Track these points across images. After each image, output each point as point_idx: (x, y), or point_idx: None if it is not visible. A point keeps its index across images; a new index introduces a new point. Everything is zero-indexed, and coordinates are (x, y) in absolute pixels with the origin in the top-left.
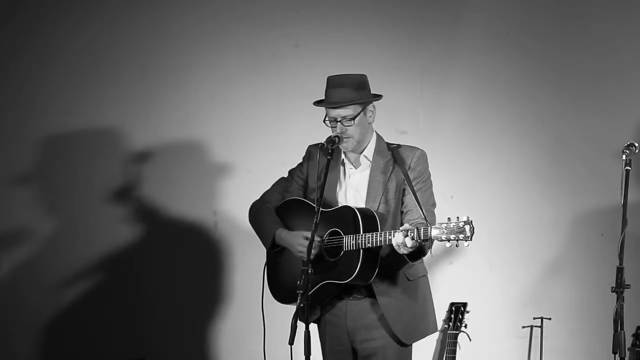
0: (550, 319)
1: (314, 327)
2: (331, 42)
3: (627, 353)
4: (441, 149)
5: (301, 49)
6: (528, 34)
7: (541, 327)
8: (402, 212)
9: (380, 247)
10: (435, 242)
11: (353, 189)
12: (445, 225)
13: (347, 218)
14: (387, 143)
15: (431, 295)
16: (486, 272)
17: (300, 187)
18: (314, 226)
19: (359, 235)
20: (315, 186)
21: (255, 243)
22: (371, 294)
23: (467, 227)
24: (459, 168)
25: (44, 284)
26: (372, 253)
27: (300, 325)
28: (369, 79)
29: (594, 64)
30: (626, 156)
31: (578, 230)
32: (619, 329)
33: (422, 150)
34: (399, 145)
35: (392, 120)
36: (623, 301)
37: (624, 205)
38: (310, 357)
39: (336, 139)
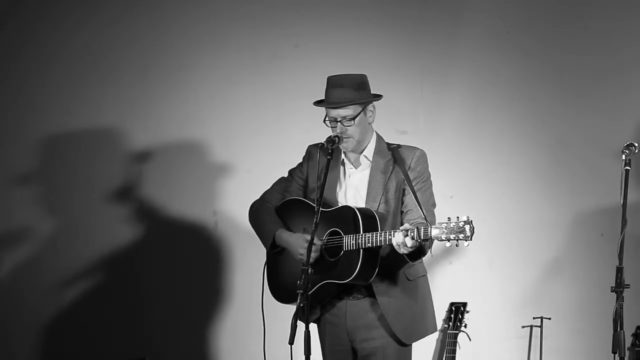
0: (550, 318)
1: (313, 327)
2: (331, 42)
3: (627, 353)
4: (441, 149)
5: (301, 49)
6: (528, 34)
7: (541, 326)
8: (402, 212)
9: (380, 246)
10: (435, 242)
11: (353, 188)
12: (445, 225)
13: (347, 218)
14: (387, 143)
15: (431, 295)
16: (486, 272)
17: (300, 187)
18: (313, 226)
19: (359, 235)
20: (315, 186)
21: (255, 243)
22: (371, 294)
23: (467, 227)
24: (459, 168)
25: (44, 284)
26: (372, 253)
27: (300, 325)
28: (369, 78)
29: (594, 64)
30: (626, 156)
31: (578, 230)
32: (618, 329)
33: (422, 150)
34: (399, 145)
35: (392, 120)
36: (623, 301)
37: (624, 205)
38: (310, 356)
39: (336, 139)
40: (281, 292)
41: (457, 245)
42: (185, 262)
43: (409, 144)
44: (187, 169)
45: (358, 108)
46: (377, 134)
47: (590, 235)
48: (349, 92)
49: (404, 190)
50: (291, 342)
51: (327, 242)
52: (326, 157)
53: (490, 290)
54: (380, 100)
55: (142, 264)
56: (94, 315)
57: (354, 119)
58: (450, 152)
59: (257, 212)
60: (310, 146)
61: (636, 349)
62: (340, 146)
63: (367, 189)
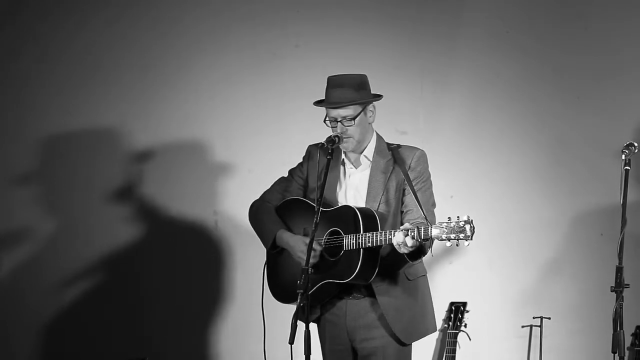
0: (549, 318)
1: (314, 327)
2: (331, 42)
3: (627, 352)
4: (441, 149)
5: (301, 49)
6: (528, 34)
7: (541, 326)
8: (402, 212)
9: (381, 246)
10: (436, 242)
11: (353, 188)
12: (445, 224)
13: (347, 218)
14: (387, 143)
15: (430, 295)
16: (486, 271)
17: (300, 186)
18: (313, 226)
19: (359, 235)
20: (315, 186)
21: (256, 243)
22: (371, 294)
23: (467, 227)
24: (459, 168)
25: (45, 283)
26: (372, 252)
27: (300, 325)
28: (369, 79)
29: (594, 64)
30: (625, 156)
31: (578, 230)
32: (618, 329)
33: (422, 150)
34: (399, 146)
35: (392, 120)
36: (622, 301)
37: (624, 205)
38: (310, 356)
39: (336, 138)
40: (281, 292)
41: (457, 245)
42: (186, 262)
43: (409, 144)
44: (187, 169)
45: (358, 108)
46: (377, 134)
47: (590, 235)
48: (349, 92)
49: (404, 190)
50: (291, 342)
51: (327, 241)
52: (326, 157)
53: (490, 290)
54: (380, 100)
55: (143, 264)
56: (94, 315)
57: (354, 119)
58: (450, 152)
59: (257, 212)
60: (310, 146)
61: (636, 348)
62: (341, 146)
63: (367, 188)
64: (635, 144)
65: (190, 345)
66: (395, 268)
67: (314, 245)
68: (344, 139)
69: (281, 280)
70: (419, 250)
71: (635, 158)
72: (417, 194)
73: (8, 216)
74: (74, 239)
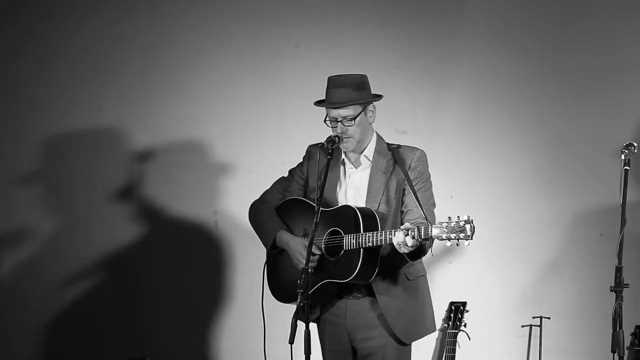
0: (549, 318)
1: (313, 327)
2: (331, 42)
3: (626, 352)
4: (441, 149)
5: (301, 49)
6: (528, 34)
7: (540, 326)
8: (402, 212)
9: (381, 246)
10: (436, 242)
11: (353, 188)
12: (445, 224)
13: (347, 217)
14: (387, 143)
15: (430, 295)
16: (486, 271)
17: (300, 186)
18: (313, 225)
19: (359, 235)
20: (315, 186)
21: (256, 243)
22: (371, 293)
23: (467, 226)
24: (459, 168)
25: (45, 283)
26: (372, 252)
27: (301, 325)
28: (369, 79)
29: (594, 64)
30: (625, 156)
31: (577, 230)
32: (617, 328)
33: (422, 150)
34: (399, 146)
35: (392, 120)
36: (622, 300)
37: (623, 204)
38: (310, 356)
39: (336, 138)
40: (281, 292)
41: (457, 245)
42: (186, 262)
43: (409, 144)
44: (188, 169)
45: (358, 108)
46: (377, 134)
47: (589, 234)
48: (349, 92)
49: (404, 190)
50: (291, 342)
51: (327, 241)
52: (326, 157)
53: (489, 290)
54: (380, 101)
55: (143, 264)
56: (94, 315)
57: (354, 119)
58: (450, 152)
59: (257, 212)
60: (310, 146)
61: (635, 348)
62: (341, 146)
63: (367, 188)
64: (635, 144)
65: (190, 344)
66: (396, 268)
67: (314, 249)
68: (344, 139)
69: (281, 279)
70: (419, 250)
71: (634, 158)
72: (417, 194)
73: (9, 216)
74: (74, 238)
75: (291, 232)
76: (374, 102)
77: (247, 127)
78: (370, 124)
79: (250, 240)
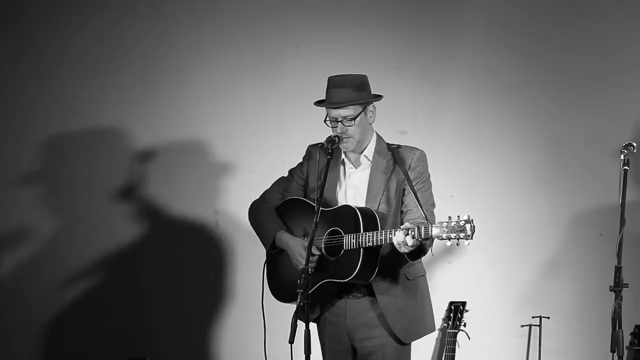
0: (549, 317)
1: (313, 326)
2: (332, 43)
3: (625, 352)
4: (441, 149)
5: (302, 50)
6: (528, 34)
7: (540, 326)
8: (401, 212)
9: (381, 246)
10: (435, 241)
11: (353, 188)
12: (446, 224)
13: (347, 217)
14: (387, 143)
15: (429, 295)
16: (485, 271)
17: (300, 186)
18: (313, 225)
19: (359, 234)
20: (315, 185)
21: (257, 242)
22: (371, 293)
23: (467, 226)
24: (458, 168)
25: (45, 283)
26: (372, 252)
27: (301, 324)
28: (369, 79)
29: (594, 64)
30: (624, 156)
31: (577, 230)
32: (617, 328)
33: (422, 150)
34: (399, 146)
35: (392, 120)
36: (621, 300)
37: (622, 204)
38: (310, 356)
39: (336, 138)
40: (281, 292)
41: (457, 244)
42: (187, 262)
43: (409, 144)
44: (188, 169)
45: (358, 108)
46: (377, 134)
47: (589, 234)
48: (349, 93)
49: (404, 190)
50: (291, 341)
51: (327, 241)
52: (326, 156)
53: (489, 290)
54: (380, 101)
55: (144, 264)
56: (95, 315)
57: (354, 119)
58: (450, 152)
59: (257, 212)
60: (310, 146)
61: (635, 347)
62: (341, 146)
63: (367, 188)
64: (634, 144)
65: (191, 344)
66: (395, 268)
67: (313, 249)
68: (344, 139)
69: (281, 279)
70: (419, 250)
71: (634, 158)
72: (417, 194)
73: (9, 216)
74: (74, 238)
75: (291, 232)
76: (374, 102)
77: (248, 127)
78: (370, 124)
79: (251, 240)
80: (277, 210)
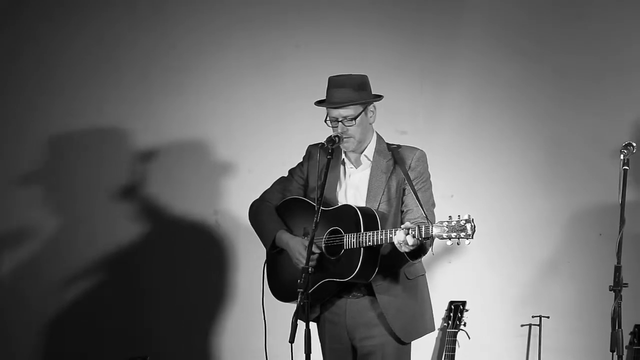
0: (548, 317)
1: (314, 326)
2: (331, 43)
3: (625, 351)
4: (441, 149)
5: (302, 50)
6: (528, 34)
7: (540, 325)
8: (402, 212)
9: (381, 245)
10: (436, 241)
11: (353, 188)
12: (446, 223)
13: (347, 217)
14: (387, 143)
15: (429, 295)
16: (485, 271)
17: (300, 186)
18: (314, 225)
19: (360, 234)
20: (315, 185)
21: (257, 242)
22: (371, 292)
23: (468, 225)
24: (458, 168)
25: (46, 283)
26: (372, 251)
27: (301, 324)
28: (369, 79)
29: (594, 64)
30: (624, 156)
31: (576, 230)
32: (616, 327)
33: (422, 150)
34: (399, 146)
35: (392, 120)
36: (621, 299)
37: (622, 204)
38: (311, 355)
39: (336, 138)
40: (281, 291)
41: (458, 244)
42: (188, 261)
43: (409, 144)
44: (188, 169)
45: (359, 108)
46: (377, 134)
47: (588, 234)
48: (350, 93)
49: (404, 190)
50: (291, 341)
51: (327, 240)
52: (326, 156)
53: (489, 289)
54: (380, 101)
55: (144, 264)
56: (95, 314)
57: (355, 119)
58: (450, 152)
59: (257, 212)
60: (310, 146)
61: (634, 347)
62: (341, 146)
63: (367, 188)
64: (634, 144)
65: (191, 343)
66: (396, 267)
67: (313, 248)
68: (345, 139)
69: (281, 279)
70: (420, 249)
71: (633, 158)
72: (417, 194)
73: (9, 216)
74: (74, 238)
75: (291, 231)
76: (374, 103)
77: (248, 127)
78: (370, 124)
79: (251, 240)
80: (277, 210)
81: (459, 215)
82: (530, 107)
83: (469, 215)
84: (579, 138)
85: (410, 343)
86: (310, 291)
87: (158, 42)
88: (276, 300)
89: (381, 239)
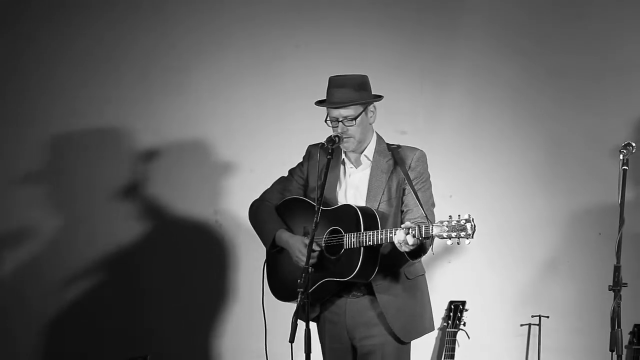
0: (548, 317)
1: (313, 325)
2: (332, 43)
3: (624, 351)
4: (441, 149)
5: (302, 50)
6: (527, 34)
7: (539, 325)
8: (402, 212)
9: (381, 245)
10: (435, 240)
11: (353, 187)
12: (446, 223)
13: (347, 216)
14: (387, 144)
15: (428, 294)
16: (485, 270)
17: (300, 186)
18: (314, 225)
19: (360, 233)
20: (315, 185)
21: (258, 242)
22: (370, 292)
23: (468, 225)
24: (458, 168)
25: (47, 283)
26: (372, 251)
27: (301, 324)
28: (369, 79)
29: (593, 64)
30: (623, 156)
31: (576, 229)
32: (616, 327)
33: (422, 150)
34: (398, 146)
35: (392, 120)
36: (620, 299)
37: (621, 204)
38: (311, 355)
39: (336, 138)
40: (281, 291)
41: (458, 243)
42: (188, 261)
43: (409, 144)
44: (189, 169)
45: (359, 108)
46: (377, 135)
47: (588, 234)
48: (350, 93)
49: (404, 189)
50: (292, 341)
51: (327, 240)
52: (326, 156)
53: (489, 289)
54: (380, 101)
55: (145, 263)
56: (96, 314)
57: (355, 119)
58: (450, 152)
59: (257, 212)
60: (310, 146)
61: (634, 347)
62: (341, 146)
63: (367, 188)
64: (633, 144)
65: (191, 343)
66: (396, 267)
67: (314, 246)
68: (345, 139)
69: (281, 278)
70: (420, 249)
71: (633, 158)
72: (417, 194)
73: (10, 216)
74: (75, 238)
75: (291, 231)
76: (374, 103)
77: (248, 127)
78: (370, 124)
79: (252, 240)
80: (277, 209)
81: (459, 215)
82: (530, 107)
83: (469, 215)
84: (578, 138)
85: (409, 343)
86: (310, 291)
87: (158, 42)
88: (276, 300)
89: (381, 239)
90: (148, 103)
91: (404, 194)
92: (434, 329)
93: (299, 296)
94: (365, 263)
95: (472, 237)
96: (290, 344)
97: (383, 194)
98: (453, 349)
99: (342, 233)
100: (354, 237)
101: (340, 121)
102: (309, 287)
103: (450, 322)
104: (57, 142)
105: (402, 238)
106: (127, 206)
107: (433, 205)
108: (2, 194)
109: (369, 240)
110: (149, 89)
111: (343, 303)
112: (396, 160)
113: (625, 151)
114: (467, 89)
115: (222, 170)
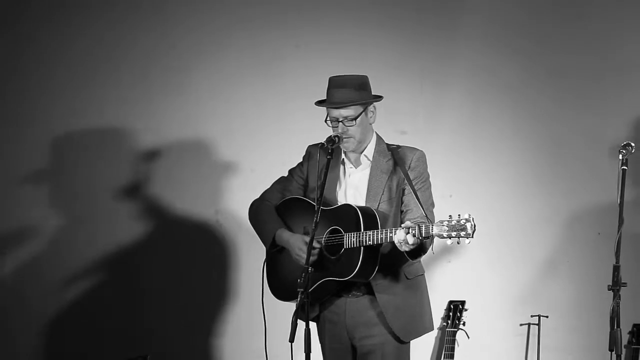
0: (547, 316)
1: (313, 325)
2: (332, 43)
3: (624, 350)
4: (441, 149)
5: (302, 50)
6: (527, 34)
7: (539, 324)
8: (401, 212)
9: (381, 244)
10: (435, 240)
11: (353, 187)
12: (446, 222)
13: (347, 216)
14: (386, 144)
15: (428, 294)
16: (484, 270)
17: (300, 186)
18: (314, 225)
19: (360, 233)
20: (315, 185)
21: (258, 241)
22: (370, 292)
23: (468, 225)
24: (458, 168)
25: (47, 283)
26: (372, 251)
27: (301, 323)
28: (369, 79)
29: (593, 64)
30: (622, 156)
31: (575, 229)
32: (615, 327)
33: (421, 151)
34: (398, 146)
35: (392, 120)
36: (619, 299)
37: (621, 204)
38: (311, 354)
39: (336, 138)
40: (281, 290)
41: (458, 243)
42: (189, 261)
43: (409, 144)
44: (189, 169)
45: (359, 108)
46: (377, 135)
47: (587, 234)
48: (350, 93)
49: (403, 190)
50: (291, 340)
51: (327, 240)
52: (326, 156)
53: (488, 289)
54: (380, 101)
55: (145, 263)
56: (96, 314)
57: (355, 119)
58: (450, 152)
59: (257, 211)
60: (310, 146)
61: (633, 346)
62: (341, 146)
63: (367, 188)
64: (632, 144)
65: (192, 343)
66: (395, 266)
67: (314, 243)
68: (345, 139)
69: (281, 278)
70: (420, 249)
71: (632, 158)
72: (417, 194)
73: (10, 216)
74: (75, 238)
75: (291, 231)
76: (374, 103)
77: (249, 127)
78: (370, 124)
79: (253, 239)
80: (277, 209)
81: (459, 215)
82: (530, 107)
83: (469, 215)
84: (578, 138)
85: (409, 342)
86: (310, 290)
87: (158, 42)
88: (276, 299)
89: (381, 238)
90: (148, 103)
91: (403, 194)
92: (433, 329)
93: (299, 296)
94: (365, 263)
95: (472, 237)
96: (290, 343)
97: (383, 193)
98: (453, 349)
99: (342, 233)
100: (353, 237)
101: (340, 121)
102: (309, 287)
103: (449, 321)
104: (57, 142)
105: (402, 237)
106: (128, 206)
107: (433, 205)
108: (2, 194)
109: (369, 240)
110: (149, 89)
111: (343, 303)
112: (396, 160)
113: (624, 151)
114: (467, 89)
115: (223, 170)
